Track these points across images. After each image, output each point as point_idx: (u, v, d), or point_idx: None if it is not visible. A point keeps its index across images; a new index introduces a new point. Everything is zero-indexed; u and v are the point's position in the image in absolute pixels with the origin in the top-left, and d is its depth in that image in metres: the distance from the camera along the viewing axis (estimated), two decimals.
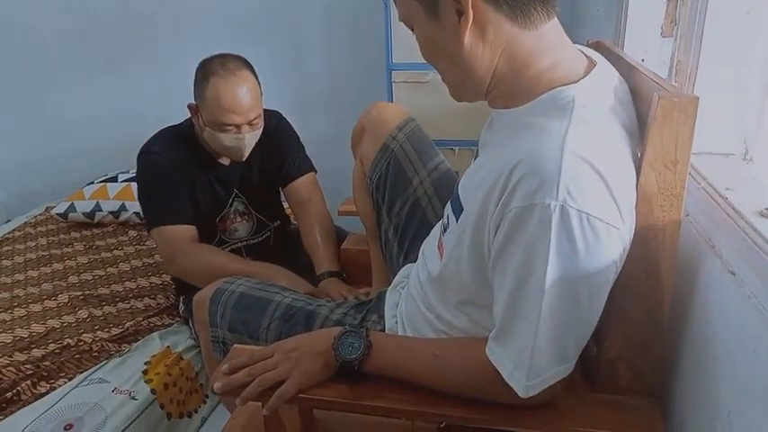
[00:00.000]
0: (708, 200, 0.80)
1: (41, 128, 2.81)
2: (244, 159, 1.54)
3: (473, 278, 0.80)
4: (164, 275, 1.98)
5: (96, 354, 1.57)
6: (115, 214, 2.36)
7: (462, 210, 0.81)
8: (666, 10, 1.19)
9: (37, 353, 1.59)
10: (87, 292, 1.89)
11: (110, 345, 1.60)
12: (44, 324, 1.73)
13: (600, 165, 0.67)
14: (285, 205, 1.80)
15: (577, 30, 1.87)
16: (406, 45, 1.94)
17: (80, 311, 1.78)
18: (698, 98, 0.69)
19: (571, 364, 0.75)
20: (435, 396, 0.83)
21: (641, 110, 0.78)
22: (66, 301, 1.85)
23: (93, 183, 2.45)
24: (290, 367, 0.86)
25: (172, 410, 1.49)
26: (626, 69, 0.84)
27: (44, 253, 2.21)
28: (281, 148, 1.65)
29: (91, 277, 2.02)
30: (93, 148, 2.75)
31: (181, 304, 1.71)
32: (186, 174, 1.54)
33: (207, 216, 1.60)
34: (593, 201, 0.67)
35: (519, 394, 0.74)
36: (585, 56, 0.80)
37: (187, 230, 1.52)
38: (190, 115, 1.54)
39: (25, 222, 2.52)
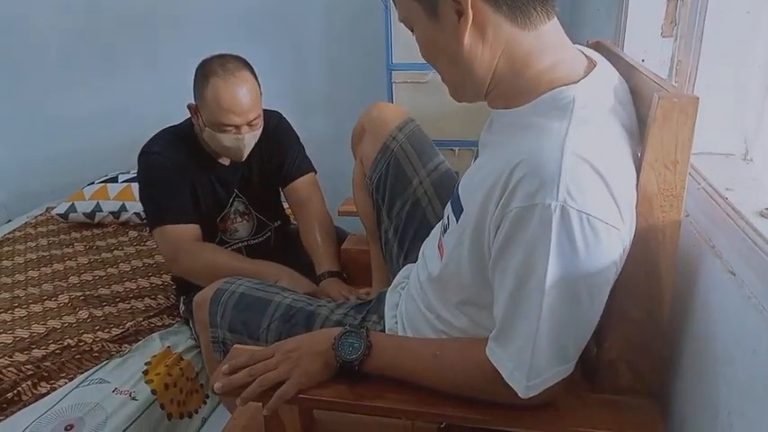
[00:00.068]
0: (708, 200, 0.80)
1: (41, 128, 2.81)
2: (243, 160, 1.54)
3: (473, 278, 0.80)
4: (164, 276, 1.98)
5: (97, 354, 1.57)
6: (115, 215, 2.36)
7: (462, 210, 0.81)
8: (666, 10, 1.19)
9: (37, 353, 1.59)
10: (88, 293, 1.89)
11: (110, 345, 1.60)
12: (44, 324, 1.73)
13: (600, 165, 0.67)
14: (285, 205, 1.80)
15: (577, 30, 1.87)
16: (406, 45, 1.94)
17: (80, 312, 1.78)
18: (698, 98, 0.69)
19: (571, 365, 0.75)
20: (435, 396, 0.83)
21: (641, 110, 0.78)
22: (67, 301, 1.86)
23: (93, 183, 2.45)
24: (290, 367, 0.86)
25: (172, 411, 1.49)
26: (626, 69, 0.84)
27: (44, 253, 2.21)
28: (280, 149, 1.65)
29: (91, 277, 2.02)
30: (93, 148, 2.75)
31: (181, 304, 1.71)
32: (187, 174, 1.54)
33: (207, 216, 1.60)
34: (594, 201, 0.67)
35: (519, 394, 0.74)
36: (585, 56, 0.80)
37: (190, 229, 1.52)
38: (190, 115, 1.54)
39: (25, 223, 2.52)
